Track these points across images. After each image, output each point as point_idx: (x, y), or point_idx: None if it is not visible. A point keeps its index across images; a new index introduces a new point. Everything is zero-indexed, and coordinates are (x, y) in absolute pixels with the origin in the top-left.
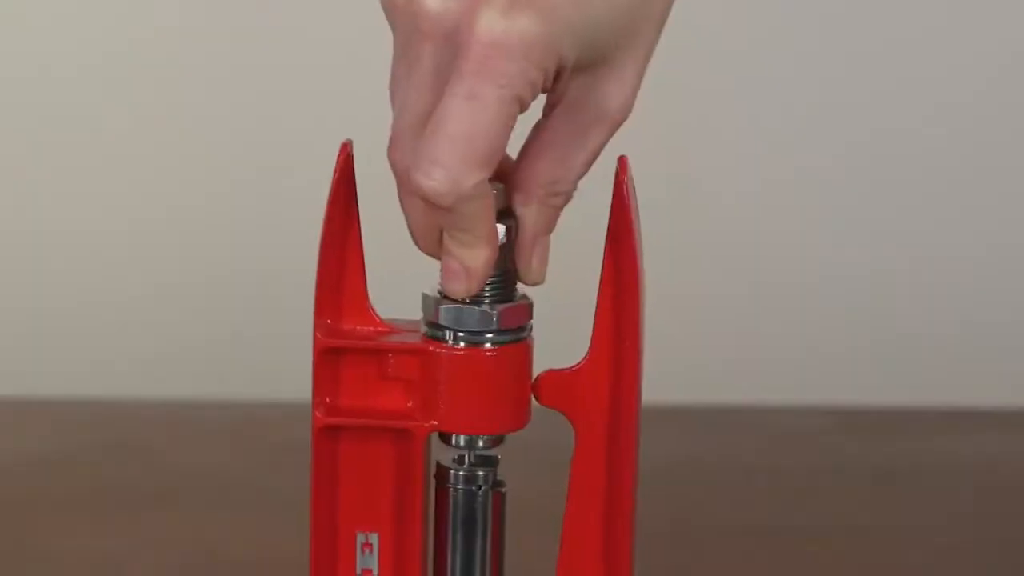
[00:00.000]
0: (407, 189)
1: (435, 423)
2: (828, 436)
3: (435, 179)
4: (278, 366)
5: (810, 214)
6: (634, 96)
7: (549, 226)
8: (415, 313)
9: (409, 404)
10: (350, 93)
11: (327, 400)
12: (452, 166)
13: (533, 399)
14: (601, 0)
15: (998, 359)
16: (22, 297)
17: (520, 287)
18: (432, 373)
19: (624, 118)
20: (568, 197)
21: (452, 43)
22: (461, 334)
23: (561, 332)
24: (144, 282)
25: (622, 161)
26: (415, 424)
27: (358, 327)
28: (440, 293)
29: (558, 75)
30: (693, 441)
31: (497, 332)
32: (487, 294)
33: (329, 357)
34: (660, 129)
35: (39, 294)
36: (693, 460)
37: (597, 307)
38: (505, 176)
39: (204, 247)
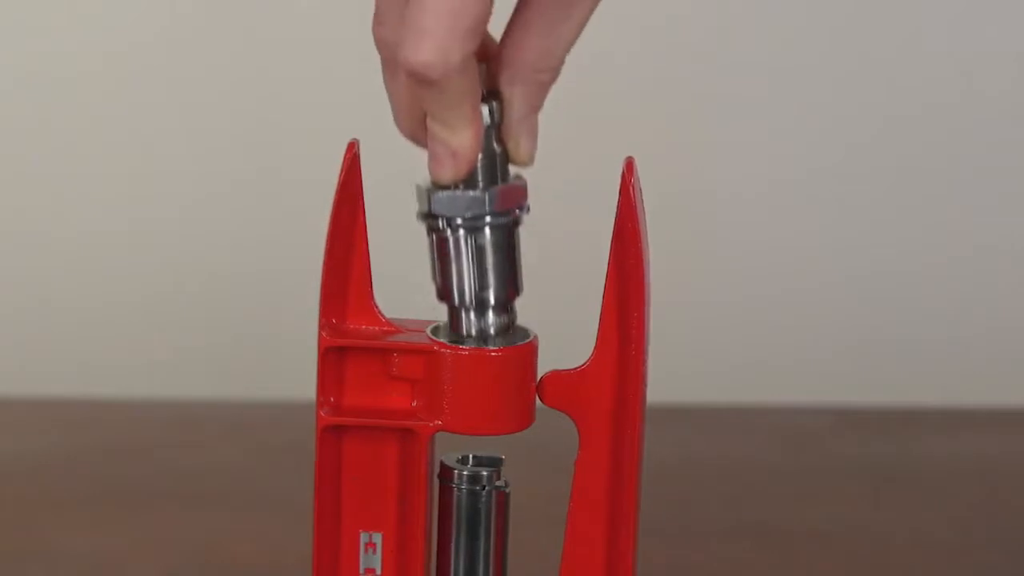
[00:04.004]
0: (392, 67)
1: (439, 423)
2: (828, 436)
3: (424, 51)
4: (279, 366)
5: (811, 215)
6: None
7: (537, 104)
8: (420, 313)
9: (413, 404)
10: (352, 93)
11: (331, 399)
12: (441, 37)
13: (537, 400)
14: None
15: (998, 359)
16: (22, 297)
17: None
18: (437, 373)
19: None
20: (556, 73)
21: None
22: (457, 220)
23: (566, 333)
24: (144, 282)
25: (629, 163)
26: (419, 424)
27: (363, 326)
28: (431, 182)
29: None
30: (693, 441)
31: (493, 215)
32: (479, 178)
33: (333, 356)
34: (664, 131)
35: (39, 294)
36: (693, 460)
37: (602, 308)
38: (488, 56)
39: (204, 247)
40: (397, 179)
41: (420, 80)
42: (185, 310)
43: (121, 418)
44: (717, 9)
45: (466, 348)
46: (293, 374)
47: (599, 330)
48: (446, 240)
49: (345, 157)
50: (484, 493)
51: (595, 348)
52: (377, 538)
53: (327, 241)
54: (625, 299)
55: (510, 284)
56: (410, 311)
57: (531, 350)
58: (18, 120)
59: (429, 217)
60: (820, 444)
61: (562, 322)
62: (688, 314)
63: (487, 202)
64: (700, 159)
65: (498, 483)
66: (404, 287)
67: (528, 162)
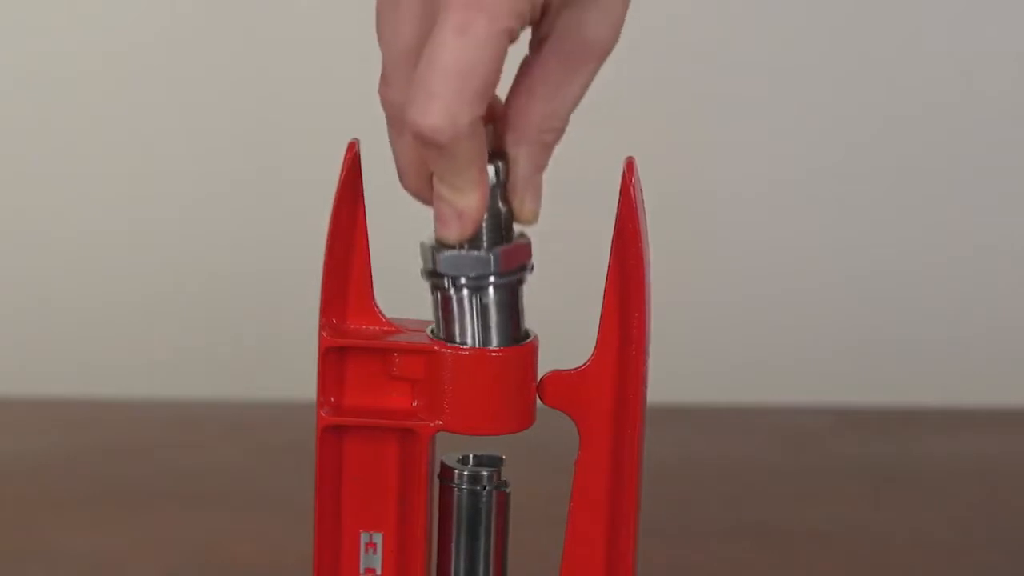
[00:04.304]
0: (399, 127)
1: (440, 423)
2: (828, 436)
3: (432, 114)
4: (279, 366)
5: (811, 215)
6: (620, 27)
7: (542, 164)
8: (421, 313)
9: (414, 404)
10: (352, 93)
11: (332, 399)
12: (449, 101)
13: (537, 400)
14: None
15: (998, 359)
16: (22, 297)
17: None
18: (437, 373)
19: (611, 50)
20: (560, 134)
21: None
22: (462, 280)
23: (566, 333)
24: (144, 282)
25: (629, 163)
26: (420, 424)
27: (363, 326)
28: (436, 241)
29: (545, 8)
30: (693, 441)
31: (497, 275)
32: (484, 238)
33: (334, 356)
34: (664, 131)
35: (39, 294)
36: (693, 460)
37: (602, 308)
38: (494, 117)
39: (204, 247)
40: (397, 179)
41: (428, 143)
42: (185, 310)
43: (121, 418)
44: (717, 9)
45: (466, 348)
46: (293, 374)
47: (599, 330)
48: (450, 299)
49: (345, 157)
50: (484, 493)
51: (595, 348)
52: (377, 538)
53: (327, 241)
54: (626, 299)
55: (512, 342)
56: (410, 311)
57: (531, 350)
58: (18, 120)
59: (434, 276)
60: (820, 444)
61: (562, 322)
62: (688, 314)
63: (492, 263)
64: (700, 159)
65: (498, 483)
66: (404, 287)
67: (532, 221)
